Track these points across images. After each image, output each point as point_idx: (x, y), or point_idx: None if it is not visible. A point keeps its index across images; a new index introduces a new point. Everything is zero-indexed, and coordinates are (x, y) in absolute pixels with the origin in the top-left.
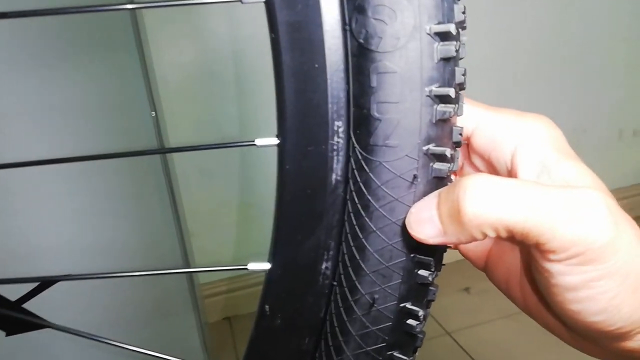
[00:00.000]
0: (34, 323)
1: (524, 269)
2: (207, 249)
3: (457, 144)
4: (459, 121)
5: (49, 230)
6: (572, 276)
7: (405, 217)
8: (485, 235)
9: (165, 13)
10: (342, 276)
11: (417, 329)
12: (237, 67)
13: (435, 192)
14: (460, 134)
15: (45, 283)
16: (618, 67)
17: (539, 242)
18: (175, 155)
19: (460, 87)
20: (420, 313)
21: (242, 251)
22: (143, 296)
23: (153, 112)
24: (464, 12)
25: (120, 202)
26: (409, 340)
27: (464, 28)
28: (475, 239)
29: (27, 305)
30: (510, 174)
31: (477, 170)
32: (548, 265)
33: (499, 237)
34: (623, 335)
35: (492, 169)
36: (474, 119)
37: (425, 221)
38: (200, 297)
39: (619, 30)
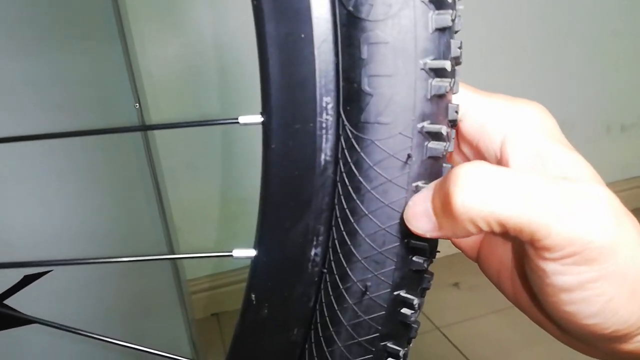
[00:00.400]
0: (18, 319)
1: (515, 264)
2: (194, 244)
3: (453, 123)
4: (455, 98)
5: (27, 224)
6: (567, 276)
7: (398, 199)
8: (479, 229)
9: (148, 5)
10: (333, 263)
11: (412, 319)
12: (222, 60)
13: (432, 184)
14: (457, 112)
15: (28, 278)
16: (606, 61)
17: (533, 239)
18: (161, 149)
19: (456, 61)
20: (415, 302)
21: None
22: (128, 292)
23: (137, 104)
24: None
25: (104, 196)
26: (403, 331)
27: None
28: (470, 233)
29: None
30: (500, 163)
31: (466, 159)
32: (542, 264)
33: (492, 232)
34: (618, 338)
35: (481, 158)
36: (463, 103)
37: (421, 215)
38: (186, 293)
39: (607, 24)
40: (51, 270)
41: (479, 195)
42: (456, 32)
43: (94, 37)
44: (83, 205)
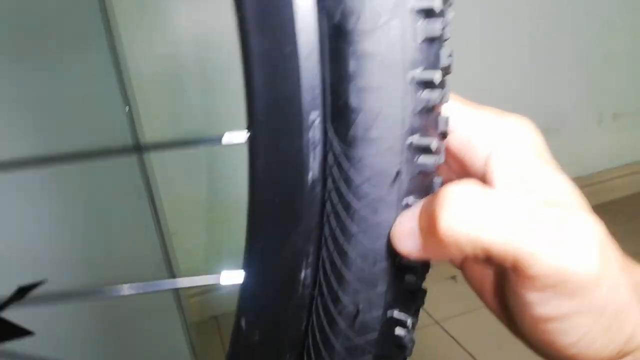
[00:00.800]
0: (15, 332)
1: (495, 283)
2: (189, 248)
3: (444, 135)
4: (445, 109)
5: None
6: (546, 306)
7: (388, 217)
8: (464, 254)
9: (136, 4)
10: (324, 284)
11: (406, 339)
12: (214, 58)
13: (420, 202)
14: (447, 124)
15: (23, 290)
16: (596, 51)
17: (517, 267)
18: (153, 152)
19: (446, 71)
20: (409, 321)
21: (226, 250)
22: (124, 298)
23: (127, 107)
24: None
25: (95, 203)
26: (398, 351)
27: (450, 4)
28: (454, 257)
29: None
30: (484, 180)
31: (451, 172)
32: (523, 291)
33: (475, 257)
34: None
35: (466, 172)
36: (450, 115)
37: (407, 234)
38: (183, 297)
39: (599, 14)
40: (45, 282)
41: (466, 218)
42: (446, 40)
43: (80, 38)
44: (72, 214)
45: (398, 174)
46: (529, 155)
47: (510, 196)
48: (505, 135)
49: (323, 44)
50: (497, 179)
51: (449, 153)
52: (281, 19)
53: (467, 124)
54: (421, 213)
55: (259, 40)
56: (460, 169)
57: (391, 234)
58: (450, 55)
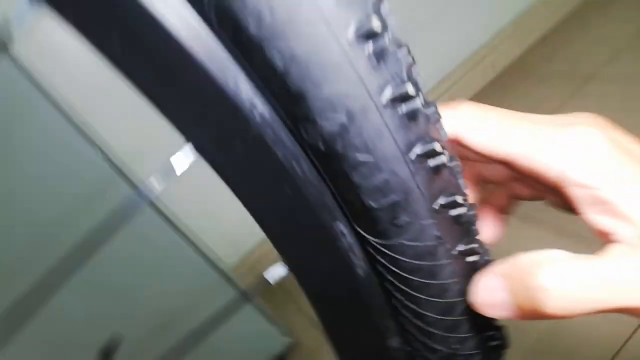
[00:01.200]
0: None
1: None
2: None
3: (459, 171)
4: (448, 147)
5: None
6: None
7: (448, 272)
8: None
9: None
10: (414, 342)
11: (501, 343)
12: None
13: (500, 270)
14: (456, 160)
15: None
16: None
17: None
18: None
19: (437, 120)
20: (498, 334)
21: None
22: (189, 310)
23: (98, 150)
24: (409, 52)
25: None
26: (495, 355)
27: (414, 62)
28: None
29: None
30: (561, 198)
31: (528, 190)
32: None
33: None
34: None
35: (540, 187)
36: (510, 143)
37: (497, 305)
38: (239, 276)
39: None
40: (122, 339)
41: (573, 302)
42: (428, 104)
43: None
44: None
45: (439, 238)
46: (606, 178)
47: (605, 259)
48: (575, 153)
49: (319, 169)
50: (581, 205)
51: (520, 174)
52: (269, 169)
53: (530, 151)
54: (513, 291)
55: (250, 185)
56: (535, 185)
57: (476, 303)
58: (436, 111)
